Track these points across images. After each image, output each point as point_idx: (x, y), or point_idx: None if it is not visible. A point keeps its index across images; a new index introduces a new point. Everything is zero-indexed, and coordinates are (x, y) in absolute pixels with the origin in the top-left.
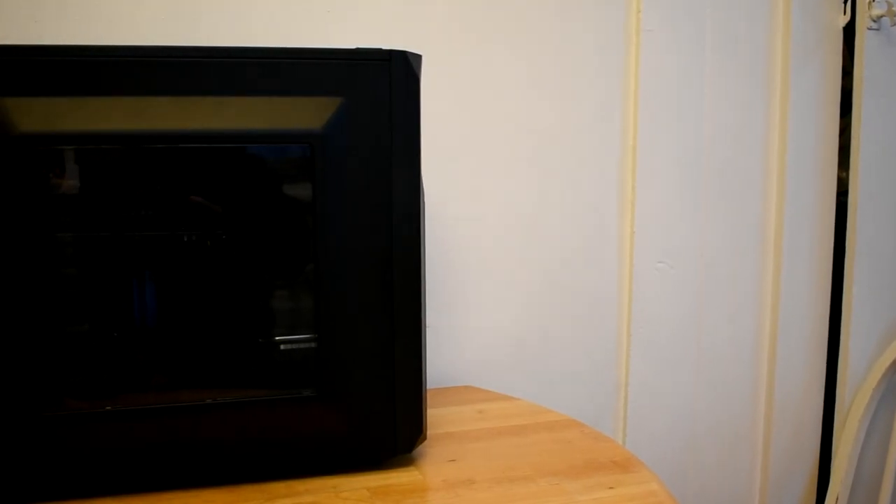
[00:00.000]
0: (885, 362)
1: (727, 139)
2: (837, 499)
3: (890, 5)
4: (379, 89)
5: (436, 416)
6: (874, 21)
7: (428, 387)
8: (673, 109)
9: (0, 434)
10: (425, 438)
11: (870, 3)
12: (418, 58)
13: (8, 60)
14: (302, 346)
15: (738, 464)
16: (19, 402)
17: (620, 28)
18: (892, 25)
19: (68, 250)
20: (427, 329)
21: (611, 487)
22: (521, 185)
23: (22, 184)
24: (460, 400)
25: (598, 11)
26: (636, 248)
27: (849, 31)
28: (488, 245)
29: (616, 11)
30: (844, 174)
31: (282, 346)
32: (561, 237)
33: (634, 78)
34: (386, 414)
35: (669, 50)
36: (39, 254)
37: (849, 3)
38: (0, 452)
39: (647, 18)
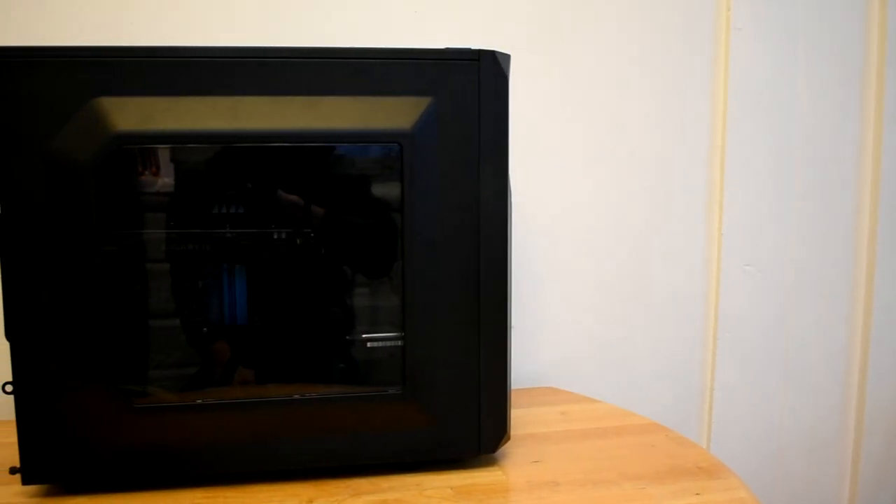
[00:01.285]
0: None
1: (819, 139)
2: None
3: None
4: (467, 89)
5: (519, 416)
6: None
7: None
8: (763, 108)
9: (96, 424)
10: (509, 439)
11: None
12: (507, 57)
13: (105, 61)
14: (388, 344)
15: (826, 473)
16: (113, 393)
17: (710, 26)
18: None
19: (161, 247)
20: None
21: (697, 494)
22: (606, 185)
23: (118, 181)
24: (543, 401)
25: (687, 10)
26: (723, 249)
27: None
28: (572, 245)
29: (705, 10)
30: None
31: (368, 344)
32: (646, 238)
33: (724, 76)
34: (470, 413)
35: (760, 48)
36: (133, 249)
37: None
38: (96, 441)
39: (736, 16)
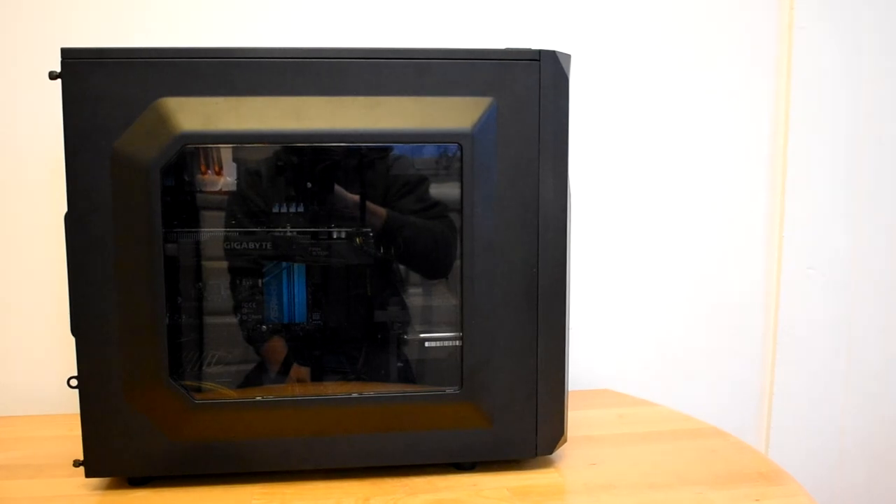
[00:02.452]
0: None
1: (885, 141)
2: None
3: None
4: (528, 89)
5: (575, 418)
6: None
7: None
8: (827, 110)
9: (157, 418)
10: (566, 441)
11: None
12: (567, 57)
13: (170, 62)
14: (446, 343)
15: (889, 479)
16: (174, 389)
17: (773, 26)
18: None
19: (222, 245)
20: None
21: (757, 500)
22: (666, 187)
23: (182, 180)
24: (600, 403)
25: (749, 9)
26: (785, 253)
27: None
28: (631, 247)
29: (768, 9)
30: None
31: (426, 344)
32: (707, 240)
33: (786, 77)
34: (528, 414)
35: (824, 48)
36: (195, 247)
37: None
38: (157, 436)
39: (800, 15)
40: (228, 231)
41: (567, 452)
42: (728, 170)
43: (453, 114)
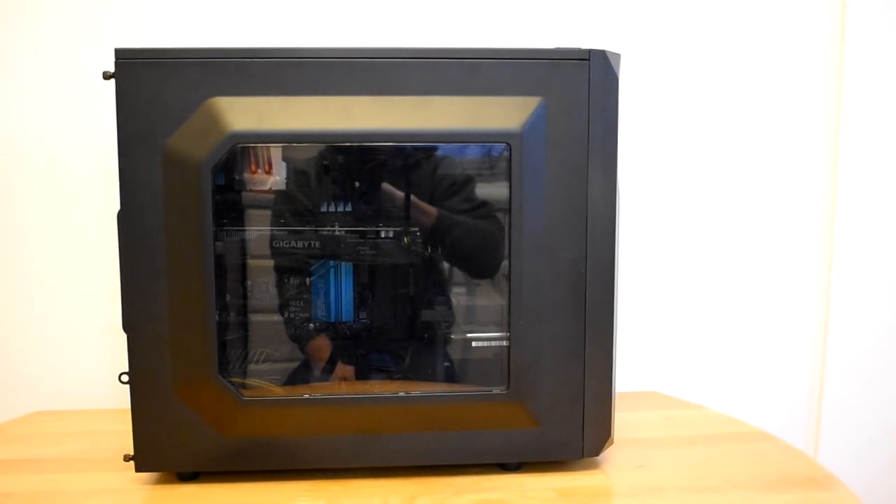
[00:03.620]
0: None
1: None
2: None
3: None
4: (578, 88)
5: (622, 420)
6: None
7: None
8: (882, 106)
9: (206, 414)
10: (612, 443)
11: None
12: (617, 56)
13: (221, 62)
14: (493, 343)
15: None
16: (223, 385)
17: (827, 24)
18: None
19: (271, 243)
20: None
21: None
22: (716, 187)
23: (232, 179)
24: (646, 405)
25: (802, 6)
26: (835, 253)
27: None
28: (680, 246)
29: (821, 7)
30: None
31: (473, 344)
32: (756, 241)
33: (839, 74)
34: (575, 415)
35: (878, 45)
36: (244, 245)
37: None
38: (206, 431)
39: (853, 12)
40: (277, 230)
41: (613, 454)
42: (779, 170)
43: (502, 113)
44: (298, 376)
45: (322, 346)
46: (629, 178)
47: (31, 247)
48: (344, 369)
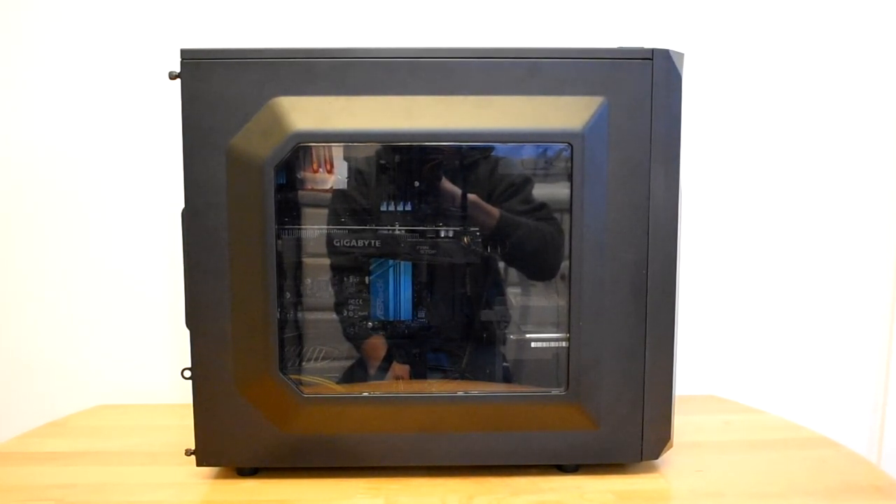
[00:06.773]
0: None
1: None
2: None
3: None
4: (640, 88)
5: (681, 424)
6: None
7: None
8: None
9: (267, 411)
10: (672, 446)
11: None
12: (681, 56)
13: (284, 62)
14: (553, 344)
15: None
16: (283, 382)
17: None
18: None
19: (332, 242)
20: None
21: None
22: (780, 190)
23: (295, 178)
24: (705, 409)
25: (869, 5)
26: None
27: None
28: (742, 250)
29: (888, 5)
30: None
31: (532, 344)
32: (821, 243)
33: None
34: (634, 418)
35: None
36: (306, 244)
37: None
38: (266, 427)
39: None
40: (337, 228)
41: (672, 458)
42: (846, 172)
43: (564, 113)
44: (354, 374)
45: (377, 344)
46: (692, 179)
47: (98, 245)
48: (399, 368)
